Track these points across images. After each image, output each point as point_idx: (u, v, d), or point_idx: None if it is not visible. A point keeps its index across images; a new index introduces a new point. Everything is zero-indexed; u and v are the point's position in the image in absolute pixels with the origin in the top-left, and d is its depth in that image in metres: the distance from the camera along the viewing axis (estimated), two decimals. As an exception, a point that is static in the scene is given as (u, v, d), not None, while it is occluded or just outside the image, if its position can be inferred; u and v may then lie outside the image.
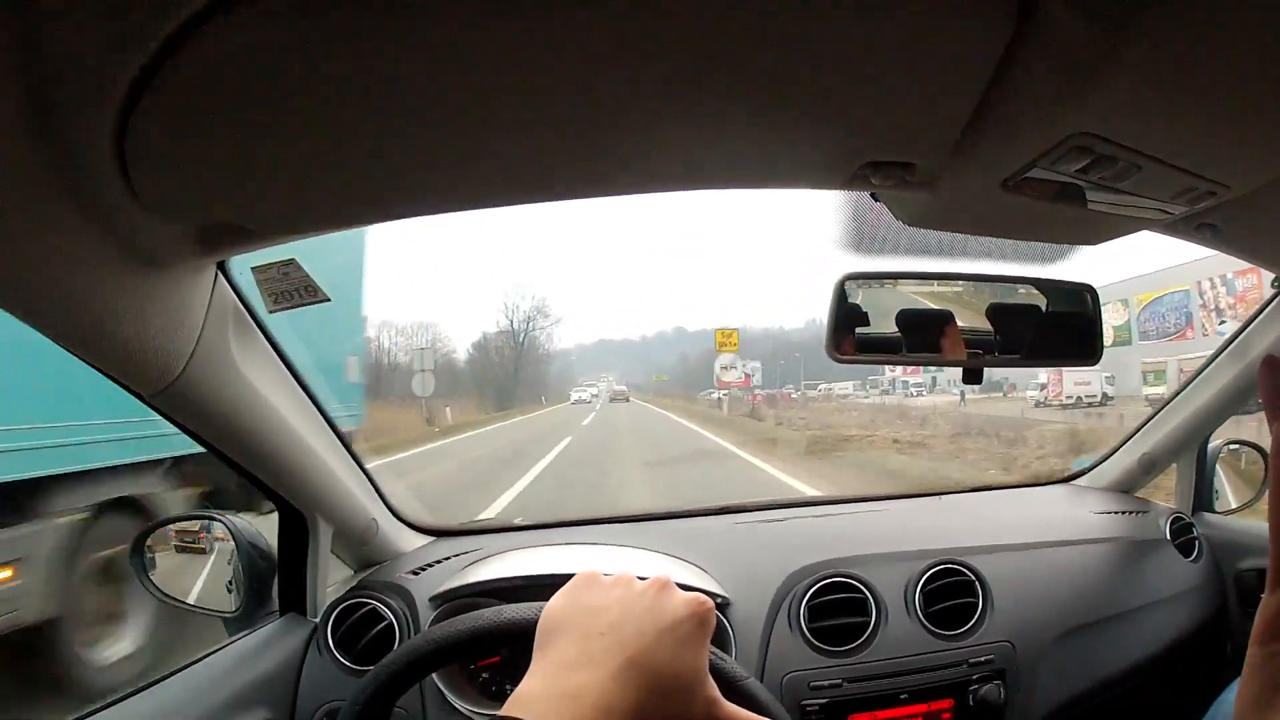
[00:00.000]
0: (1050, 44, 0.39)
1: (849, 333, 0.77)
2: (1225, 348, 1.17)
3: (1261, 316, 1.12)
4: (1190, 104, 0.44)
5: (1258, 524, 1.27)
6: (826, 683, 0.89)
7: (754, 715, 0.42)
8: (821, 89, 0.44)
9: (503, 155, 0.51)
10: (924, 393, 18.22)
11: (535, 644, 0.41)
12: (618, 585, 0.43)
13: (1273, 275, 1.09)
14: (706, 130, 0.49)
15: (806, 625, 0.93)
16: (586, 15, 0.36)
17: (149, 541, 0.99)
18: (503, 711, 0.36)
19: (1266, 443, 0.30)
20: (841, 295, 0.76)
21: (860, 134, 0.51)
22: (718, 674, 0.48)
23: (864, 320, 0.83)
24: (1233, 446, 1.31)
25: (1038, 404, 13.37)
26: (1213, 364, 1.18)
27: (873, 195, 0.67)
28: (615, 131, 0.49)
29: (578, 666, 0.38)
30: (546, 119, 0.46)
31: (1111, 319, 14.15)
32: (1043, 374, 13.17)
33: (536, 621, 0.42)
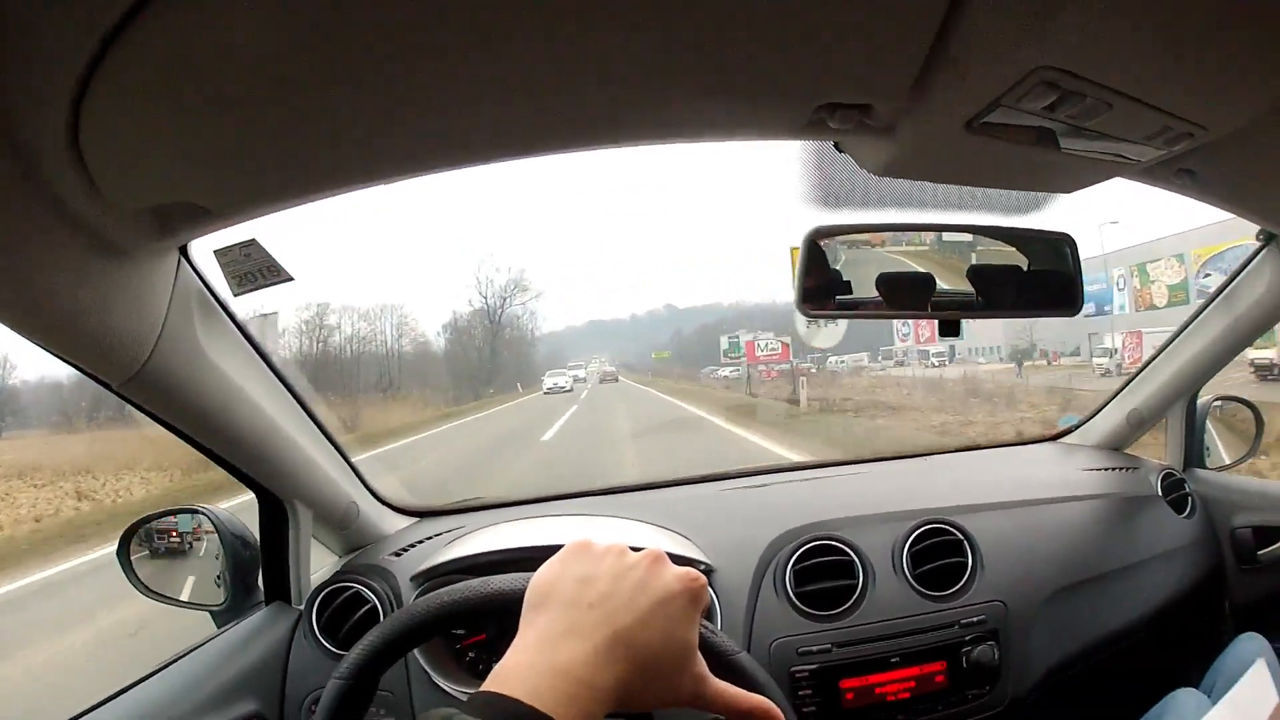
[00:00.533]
0: None
1: (820, 288, 0.76)
2: (1212, 301, 1.16)
3: (1248, 269, 1.11)
4: (1159, 36, 0.43)
5: (1251, 480, 1.26)
6: (815, 648, 0.88)
7: (742, 691, 0.42)
8: (770, 27, 0.43)
9: (458, 116, 0.51)
10: (945, 362, 16.26)
11: (523, 612, 0.40)
12: (609, 555, 0.42)
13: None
14: (654, 79, 0.48)
15: (793, 590, 0.92)
16: None
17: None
18: (486, 686, 0.35)
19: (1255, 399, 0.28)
20: (810, 250, 0.75)
21: (813, 74, 0.50)
22: (708, 648, 0.48)
23: (840, 276, 0.82)
24: (1222, 403, 1.30)
25: (1106, 373, 11.10)
26: (1200, 317, 1.17)
27: (837, 146, 0.66)
28: (564, 87, 0.48)
29: (565, 638, 0.37)
30: (494, 77, 0.46)
31: (1167, 277, 12.92)
32: (1109, 338, 11.64)
33: (524, 591, 0.41)
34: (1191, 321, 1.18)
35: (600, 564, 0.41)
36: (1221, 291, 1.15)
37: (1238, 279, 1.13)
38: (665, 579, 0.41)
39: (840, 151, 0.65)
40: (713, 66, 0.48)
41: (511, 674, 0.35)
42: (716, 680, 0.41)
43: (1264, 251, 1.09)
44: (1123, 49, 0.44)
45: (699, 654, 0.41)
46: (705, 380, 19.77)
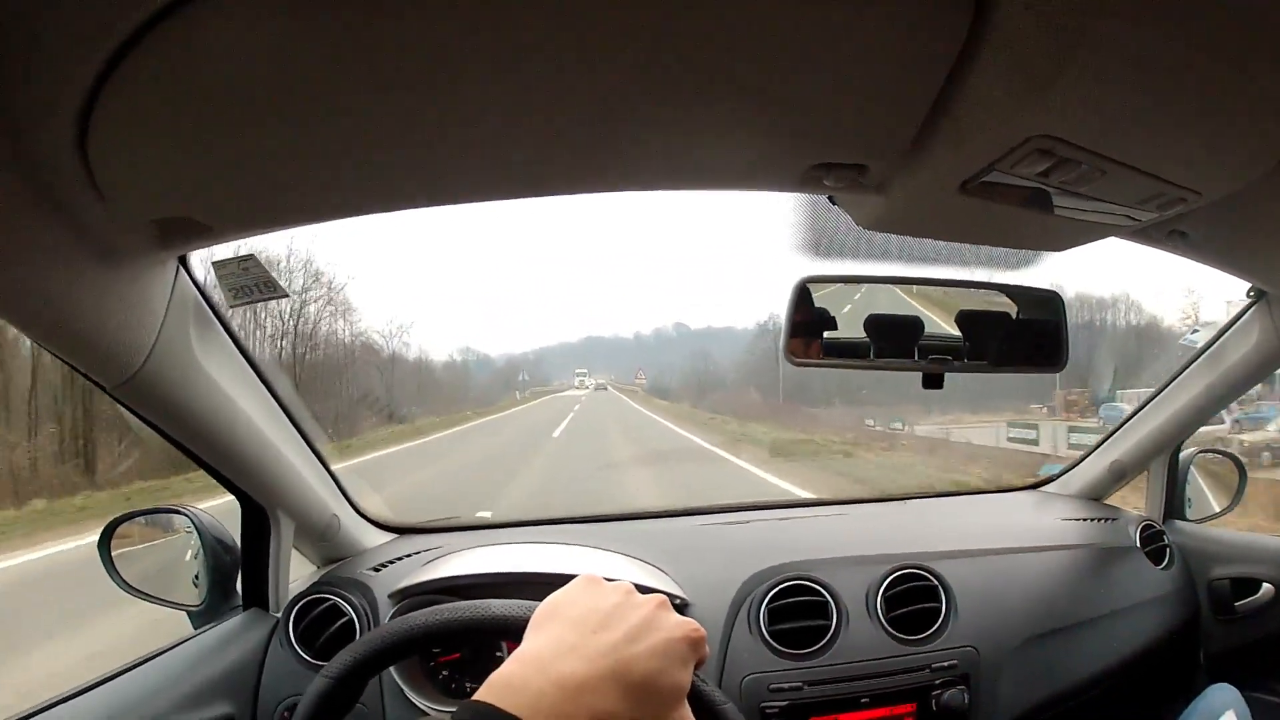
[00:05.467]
0: (1006, 45, 0.39)
1: (807, 336, 0.77)
2: (1198, 356, 1.17)
3: (1236, 326, 1.12)
4: (1154, 108, 0.44)
5: (1231, 533, 1.27)
6: (786, 685, 0.89)
7: None
8: (770, 87, 0.44)
9: (459, 154, 0.52)
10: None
11: (528, 628, 0.41)
12: (617, 591, 0.43)
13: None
14: (654, 130, 0.49)
15: (766, 628, 0.92)
16: (531, 16, 0.36)
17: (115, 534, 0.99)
18: (479, 696, 0.35)
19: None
20: (800, 299, 0.75)
21: (810, 134, 0.51)
22: (698, 697, 0.49)
23: (830, 324, 0.83)
24: (1206, 455, 1.31)
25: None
26: (1185, 372, 1.18)
27: (830, 199, 0.67)
28: (568, 131, 0.49)
29: (568, 656, 0.38)
30: (495, 120, 0.46)
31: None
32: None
33: (527, 619, 0.42)
34: (1177, 375, 1.19)
35: (608, 598, 0.43)
36: (1209, 348, 1.16)
37: (1225, 335, 1.14)
38: (669, 622, 0.42)
39: (834, 204, 0.67)
40: (710, 121, 0.48)
41: (509, 684, 0.36)
42: None
43: (1253, 309, 1.10)
44: (1118, 119, 0.44)
45: (686, 702, 0.42)
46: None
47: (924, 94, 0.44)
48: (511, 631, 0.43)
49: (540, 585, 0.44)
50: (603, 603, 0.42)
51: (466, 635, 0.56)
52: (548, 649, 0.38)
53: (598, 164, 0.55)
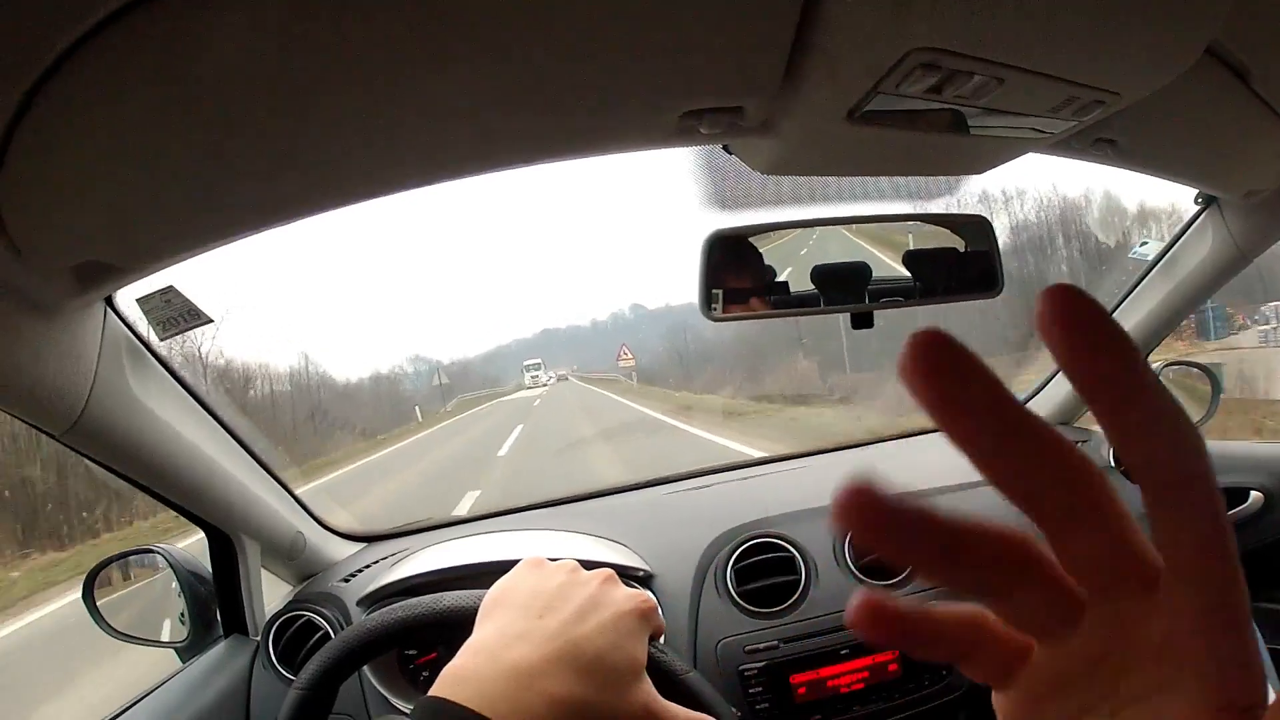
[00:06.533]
0: None
1: (726, 291, 0.76)
2: (1152, 268, 1.16)
3: (1189, 234, 1.11)
4: (1047, 2, 0.40)
5: (1210, 442, 1.25)
6: (762, 645, 0.88)
7: (691, 712, 0.42)
8: (618, 36, 0.42)
9: (311, 159, 0.50)
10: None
11: (477, 619, 0.41)
12: (561, 571, 0.43)
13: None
14: (508, 102, 0.48)
15: (734, 589, 0.92)
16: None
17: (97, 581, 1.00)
18: (434, 691, 0.35)
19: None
20: (710, 253, 0.75)
21: (671, 82, 0.49)
22: (658, 668, 0.48)
23: (764, 276, 0.82)
24: (1175, 367, 1.30)
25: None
26: (1139, 286, 1.17)
27: (726, 149, 0.66)
28: (423, 120, 0.47)
29: (516, 642, 0.38)
30: (355, 117, 0.45)
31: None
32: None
33: (477, 607, 0.42)
34: (1132, 290, 1.18)
35: (553, 579, 0.42)
36: (1161, 258, 1.15)
37: (1178, 244, 1.12)
38: (616, 597, 0.42)
39: (730, 154, 0.66)
40: (566, 83, 0.47)
41: (460, 677, 0.36)
42: (665, 701, 0.41)
43: (1204, 214, 1.08)
44: (1004, 20, 0.41)
45: (646, 674, 0.41)
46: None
47: (784, 20, 0.42)
48: (465, 621, 0.43)
49: (500, 574, 0.44)
50: (547, 584, 0.42)
51: (424, 630, 0.56)
52: (496, 637, 0.38)
53: (464, 149, 0.53)
